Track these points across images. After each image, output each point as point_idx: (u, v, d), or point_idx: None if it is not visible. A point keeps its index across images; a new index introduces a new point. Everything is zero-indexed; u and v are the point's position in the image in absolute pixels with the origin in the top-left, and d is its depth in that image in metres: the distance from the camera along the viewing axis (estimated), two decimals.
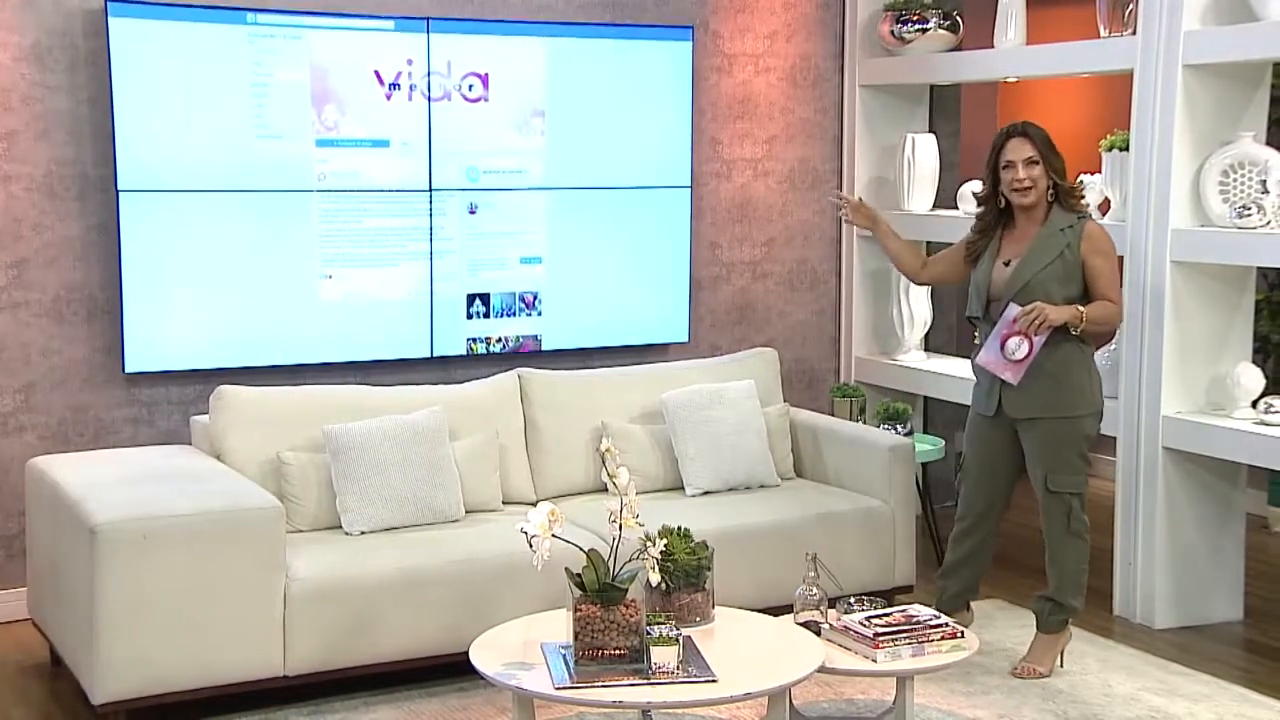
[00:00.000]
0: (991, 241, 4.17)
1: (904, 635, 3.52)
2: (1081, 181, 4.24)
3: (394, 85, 4.98)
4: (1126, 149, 4.66)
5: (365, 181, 4.98)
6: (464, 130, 5.11)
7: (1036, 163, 4.03)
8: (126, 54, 4.55)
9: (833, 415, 5.28)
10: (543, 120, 5.24)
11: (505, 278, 5.26)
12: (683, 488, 4.68)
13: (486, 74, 5.12)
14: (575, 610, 3.17)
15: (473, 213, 5.17)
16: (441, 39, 5.03)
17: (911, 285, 5.66)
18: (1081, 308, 3.98)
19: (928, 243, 5.86)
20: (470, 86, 5.12)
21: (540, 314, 5.30)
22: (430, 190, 5.09)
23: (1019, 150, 4.04)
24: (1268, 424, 4.32)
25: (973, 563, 4.32)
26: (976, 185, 4.47)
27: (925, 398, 5.92)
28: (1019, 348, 3.98)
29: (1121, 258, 4.60)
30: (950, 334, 6.23)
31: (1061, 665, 4.19)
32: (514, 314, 5.30)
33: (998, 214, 4.16)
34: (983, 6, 5.53)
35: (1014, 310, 3.98)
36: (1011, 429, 4.15)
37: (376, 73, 4.96)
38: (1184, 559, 4.63)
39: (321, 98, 4.89)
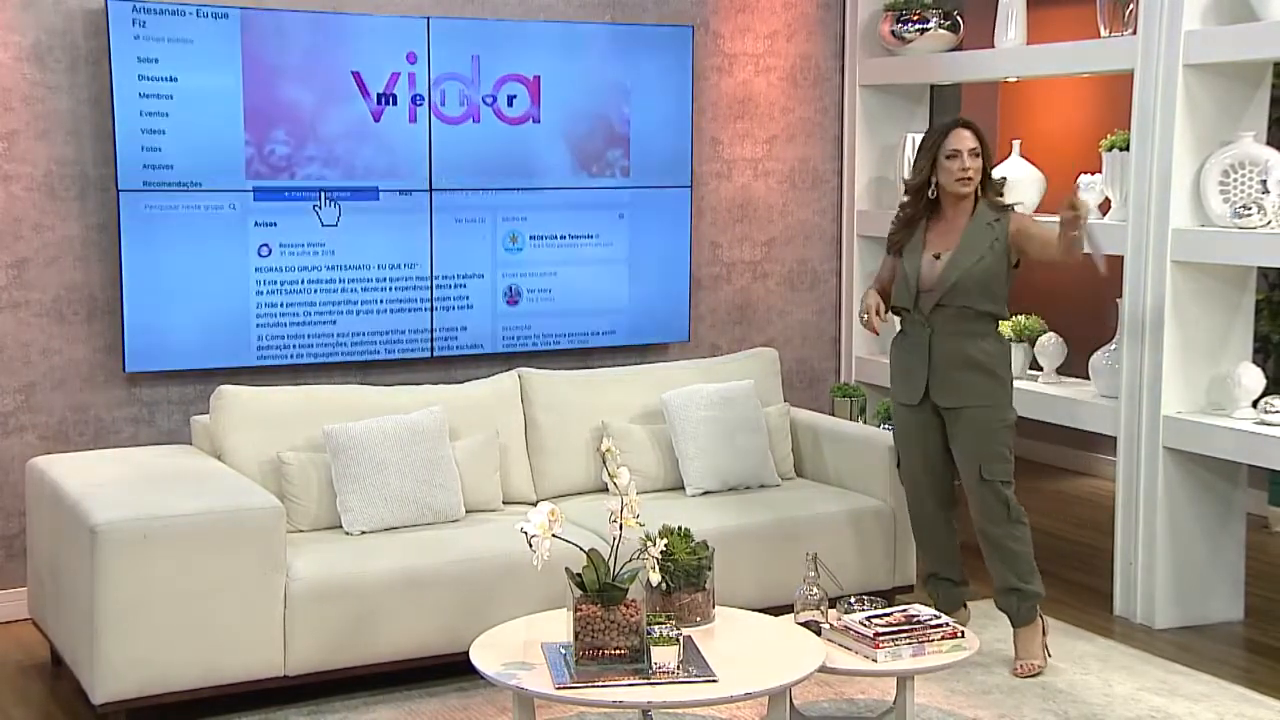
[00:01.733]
0: (917, 233, 4.20)
1: (904, 635, 3.52)
2: (1004, 178, 4.30)
3: (386, 97, 4.82)
4: (1127, 149, 4.66)
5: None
6: (500, 167, 4.66)
7: (978, 155, 4.10)
8: (127, 54, 4.51)
9: (833, 415, 5.28)
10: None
11: None
12: (683, 487, 4.67)
13: (537, 77, 4.65)
14: (575, 610, 3.18)
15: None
16: (451, 25, 4.77)
17: None
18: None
19: None
20: (512, 100, 4.65)
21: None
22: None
23: (965, 140, 4.10)
24: (1268, 424, 4.32)
25: (947, 559, 4.34)
26: (906, 173, 4.50)
27: None
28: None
29: (1121, 257, 4.62)
30: None
31: (1049, 655, 4.19)
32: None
33: (925, 204, 4.20)
34: (983, 6, 5.52)
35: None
36: (938, 417, 4.19)
37: (357, 75, 4.82)
38: (1184, 559, 4.62)
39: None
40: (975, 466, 4.13)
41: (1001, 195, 4.17)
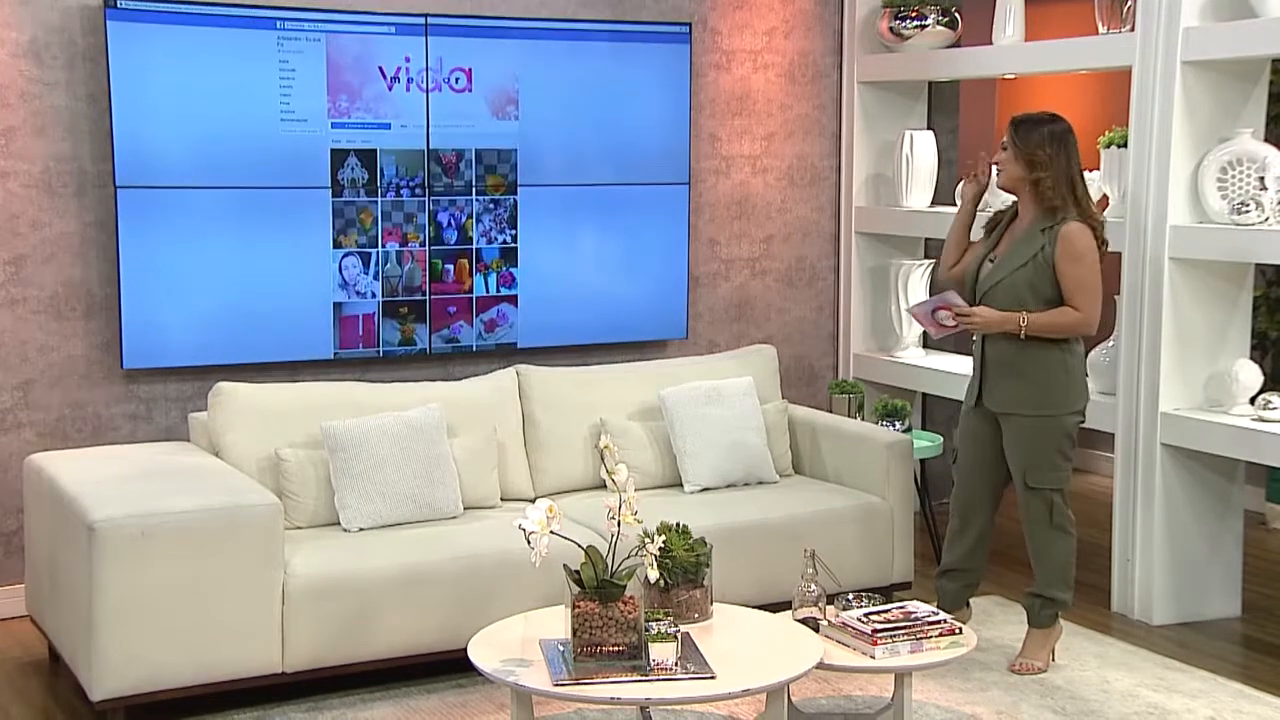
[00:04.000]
0: (998, 230, 4.20)
1: (902, 632, 3.52)
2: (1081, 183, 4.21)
3: (394, 79, 4.88)
4: (1125, 146, 4.66)
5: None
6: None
7: (1005, 148, 4.08)
8: (126, 52, 4.53)
9: (831, 412, 5.28)
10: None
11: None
12: (681, 484, 4.67)
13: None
14: (574, 607, 3.17)
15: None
16: (449, 23, 4.92)
17: (910, 282, 5.66)
18: (1026, 318, 3.97)
19: (926, 239, 5.88)
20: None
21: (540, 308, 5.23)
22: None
23: (1003, 137, 4.12)
24: (1266, 420, 4.32)
25: (972, 560, 4.32)
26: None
27: (923, 394, 5.92)
28: (946, 320, 4.10)
29: (1119, 254, 4.61)
30: None
31: (1054, 660, 4.19)
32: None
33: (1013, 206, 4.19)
34: (981, 2, 5.52)
35: (955, 300, 4.06)
36: (995, 421, 4.17)
37: (380, 68, 4.87)
38: (1182, 555, 4.63)
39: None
40: (1020, 472, 4.10)
41: (1049, 201, 4.02)
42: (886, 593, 4.36)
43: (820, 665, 3.36)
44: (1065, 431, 4.09)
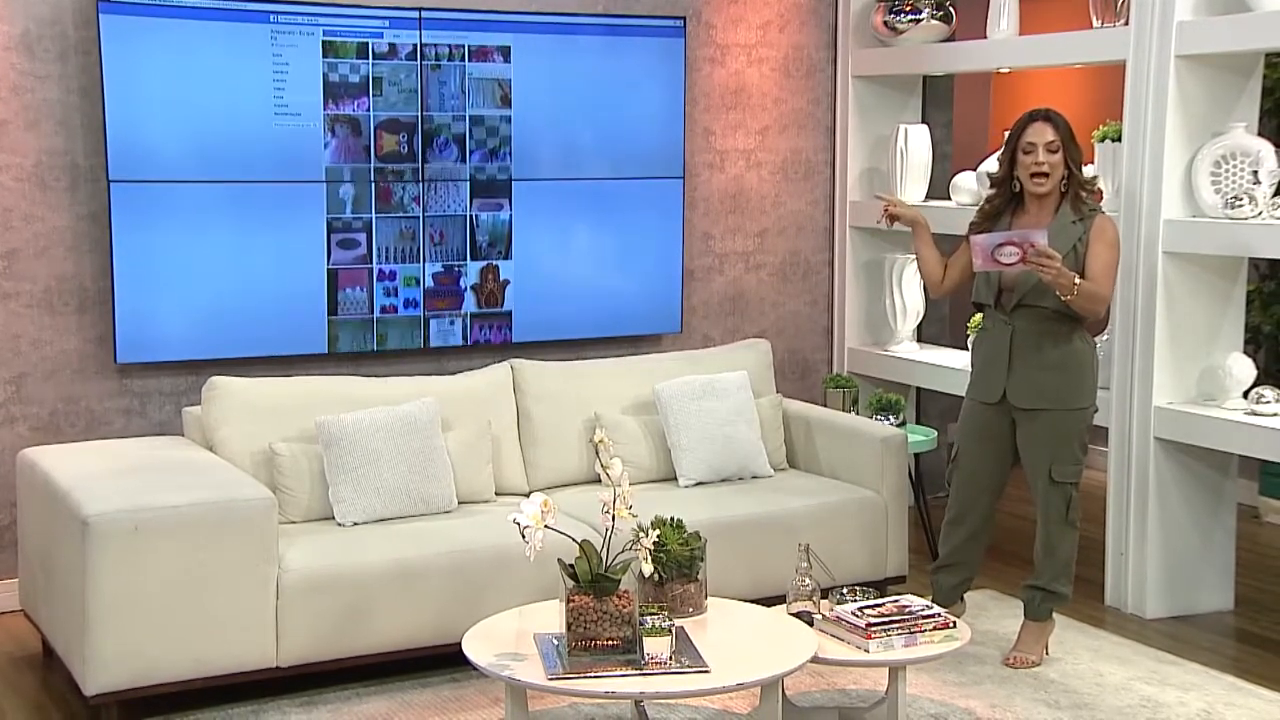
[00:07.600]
0: (1000, 227, 4.12)
1: (896, 626, 3.52)
2: (1096, 176, 4.18)
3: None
4: (1119, 140, 4.67)
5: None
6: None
7: (1056, 150, 3.99)
8: (118, 45, 4.52)
9: (825, 406, 5.28)
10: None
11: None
12: (676, 478, 4.68)
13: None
14: (568, 601, 3.18)
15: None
16: (443, 16, 4.89)
17: (904, 276, 5.66)
18: (1079, 282, 3.91)
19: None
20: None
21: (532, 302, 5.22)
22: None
23: (1041, 134, 3.99)
24: (1259, 414, 4.33)
25: (969, 555, 4.32)
26: (991, 165, 4.41)
27: (918, 388, 5.93)
28: (1010, 256, 3.89)
29: None
30: (943, 325, 6.24)
31: (1048, 653, 4.20)
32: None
33: (1009, 198, 4.13)
34: None
35: (1041, 241, 3.84)
36: (1010, 418, 4.16)
37: (347, 66, 4.81)
38: (1175, 549, 4.64)
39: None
40: (1046, 468, 4.07)
41: (1089, 193, 4.04)
42: (881, 587, 4.36)
43: (814, 659, 3.36)
44: (1087, 425, 4.10)
